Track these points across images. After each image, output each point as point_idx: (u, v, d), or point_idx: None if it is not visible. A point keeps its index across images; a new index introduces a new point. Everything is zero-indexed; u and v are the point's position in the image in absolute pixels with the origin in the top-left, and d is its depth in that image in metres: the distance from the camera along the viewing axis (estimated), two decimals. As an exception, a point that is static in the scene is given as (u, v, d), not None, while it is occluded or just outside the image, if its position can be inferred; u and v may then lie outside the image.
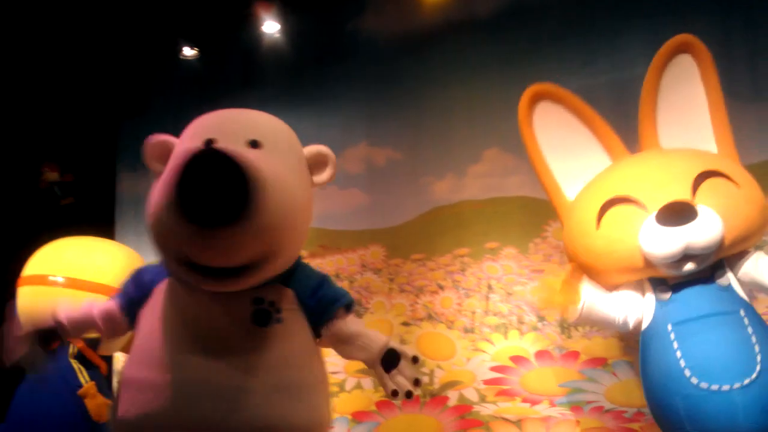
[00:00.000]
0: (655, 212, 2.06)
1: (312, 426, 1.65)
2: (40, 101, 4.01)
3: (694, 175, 2.10)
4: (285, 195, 1.50)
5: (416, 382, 1.65)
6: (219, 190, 1.35)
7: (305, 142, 3.77)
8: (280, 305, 1.64)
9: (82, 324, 1.84)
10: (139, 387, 1.60)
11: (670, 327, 2.08)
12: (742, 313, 2.03)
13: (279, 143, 1.67)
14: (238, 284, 1.53)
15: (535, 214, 3.31)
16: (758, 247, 2.24)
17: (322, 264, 3.69)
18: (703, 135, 2.32)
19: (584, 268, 2.28)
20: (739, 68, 3.06)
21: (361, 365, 3.36)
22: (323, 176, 1.78)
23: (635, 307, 2.21)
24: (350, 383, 3.42)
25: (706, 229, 1.98)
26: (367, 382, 3.40)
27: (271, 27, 4.03)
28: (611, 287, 2.29)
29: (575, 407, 2.99)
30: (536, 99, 2.51)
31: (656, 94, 2.40)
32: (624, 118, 3.12)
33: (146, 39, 4.16)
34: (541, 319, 3.21)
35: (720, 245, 2.02)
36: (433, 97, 3.65)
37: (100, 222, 3.97)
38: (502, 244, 3.37)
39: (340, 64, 3.90)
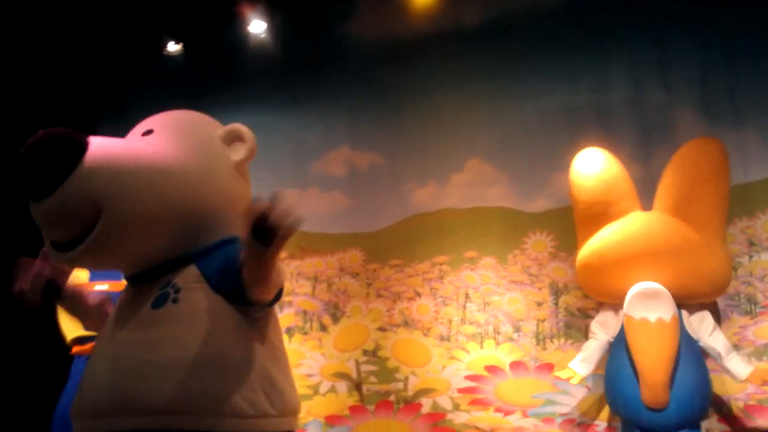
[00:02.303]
0: None
1: (197, 407, 1.47)
2: (18, 93, 3.92)
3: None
4: (121, 165, 1.54)
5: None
6: (32, 168, 1.49)
7: (288, 143, 3.83)
8: (180, 285, 1.58)
9: (79, 302, 1.93)
10: None
11: None
12: None
13: (169, 127, 1.73)
14: (79, 255, 1.55)
15: (515, 225, 3.35)
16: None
17: (300, 266, 3.67)
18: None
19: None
20: (717, 94, 3.14)
21: (336, 369, 3.39)
22: (239, 153, 1.73)
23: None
24: (325, 386, 3.40)
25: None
26: (342, 386, 3.38)
27: (257, 26, 4.00)
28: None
29: (547, 419, 3.02)
30: None
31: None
32: (612, 136, 3.20)
33: (129, 32, 4.09)
34: (517, 329, 3.23)
35: None
36: (417, 104, 3.66)
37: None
38: (481, 253, 3.39)
39: (325, 68, 3.89)
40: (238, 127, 1.75)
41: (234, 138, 1.74)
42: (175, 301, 1.54)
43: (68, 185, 1.47)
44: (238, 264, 1.51)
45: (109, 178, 1.52)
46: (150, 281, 1.61)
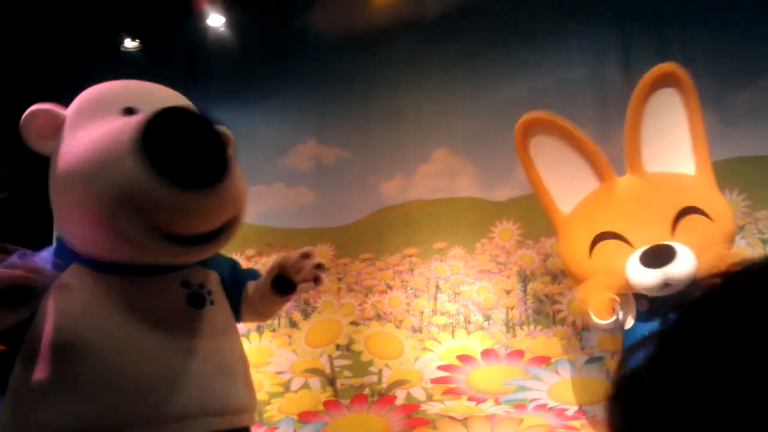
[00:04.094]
0: (640, 250, 2.32)
1: (249, 406, 1.66)
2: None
3: (674, 213, 2.36)
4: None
5: (318, 267, 1.61)
6: (199, 150, 1.30)
7: (253, 137, 3.79)
8: (209, 287, 1.62)
9: None
10: (67, 389, 1.40)
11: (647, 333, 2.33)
12: None
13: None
14: (206, 251, 1.51)
15: (483, 214, 3.37)
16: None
17: (268, 262, 3.63)
18: (683, 158, 2.53)
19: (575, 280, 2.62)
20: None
21: (308, 364, 3.39)
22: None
23: (625, 308, 2.50)
24: (296, 383, 3.40)
25: (684, 267, 2.23)
26: (315, 381, 3.38)
27: (216, 20, 3.93)
28: None
29: (519, 405, 3.06)
30: (529, 130, 2.65)
31: (640, 119, 2.53)
32: (574, 118, 3.23)
33: (85, 29, 3.98)
34: (487, 318, 3.26)
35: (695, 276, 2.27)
36: (382, 96, 3.65)
37: (37, 218, 3.80)
38: (449, 244, 3.40)
39: (288, 61, 3.85)
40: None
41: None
42: (212, 303, 1.59)
43: (230, 177, 1.37)
44: (242, 281, 1.70)
45: (242, 182, 1.48)
46: (156, 275, 1.53)
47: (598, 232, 2.44)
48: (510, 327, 3.22)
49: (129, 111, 1.49)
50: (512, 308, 3.24)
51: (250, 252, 3.69)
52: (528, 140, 2.65)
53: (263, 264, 3.63)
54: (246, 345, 1.82)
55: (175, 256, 1.49)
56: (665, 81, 2.53)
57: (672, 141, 2.54)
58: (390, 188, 3.57)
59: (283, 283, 1.62)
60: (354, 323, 3.44)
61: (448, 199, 3.46)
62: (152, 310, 1.51)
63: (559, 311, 3.14)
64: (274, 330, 3.52)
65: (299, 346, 3.47)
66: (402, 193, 3.55)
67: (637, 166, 2.52)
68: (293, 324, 3.53)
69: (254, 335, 3.52)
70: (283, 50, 3.88)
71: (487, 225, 3.36)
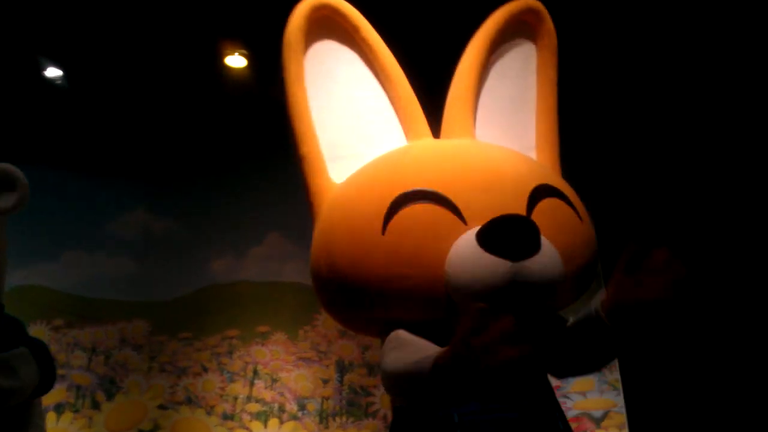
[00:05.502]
0: (476, 228, 1.22)
1: None
2: None
3: (530, 186, 1.32)
4: None
5: None
6: None
7: (78, 196, 3.56)
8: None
9: None
10: None
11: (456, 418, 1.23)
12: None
13: None
14: None
15: (309, 302, 3.38)
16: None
17: (78, 335, 3.39)
18: (526, 138, 1.59)
19: (343, 291, 1.36)
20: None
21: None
22: (7, 202, 1.52)
23: None
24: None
25: (546, 270, 1.21)
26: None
27: (52, 72, 3.71)
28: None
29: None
30: (321, 23, 1.52)
31: (480, 71, 1.56)
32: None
33: None
34: (302, 407, 3.25)
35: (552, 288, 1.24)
36: (222, 173, 3.64)
37: None
38: (272, 328, 3.39)
39: (126, 119, 3.70)
40: (8, 170, 1.52)
41: (3, 182, 1.52)
42: None
43: None
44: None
45: None
46: None
47: (405, 190, 1.28)
48: (323, 418, 3.22)
49: None
50: (328, 398, 3.26)
51: (57, 322, 3.40)
52: (308, 39, 1.51)
53: (73, 336, 3.38)
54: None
55: None
56: (522, 27, 1.62)
57: (514, 113, 1.60)
58: (219, 266, 3.53)
59: None
60: (162, 407, 3.27)
61: (276, 283, 3.47)
62: None
63: (372, 404, 3.20)
64: (76, 411, 3.24)
65: (99, 430, 3.21)
66: (231, 272, 3.51)
67: (468, 131, 1.50)
68: (96, 405, 3.27)
69: (52, 415, 3.21)
70: (123, 108, 3.73)
71: (311, 312, 3.39)
